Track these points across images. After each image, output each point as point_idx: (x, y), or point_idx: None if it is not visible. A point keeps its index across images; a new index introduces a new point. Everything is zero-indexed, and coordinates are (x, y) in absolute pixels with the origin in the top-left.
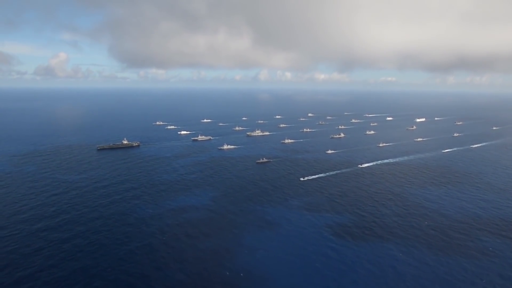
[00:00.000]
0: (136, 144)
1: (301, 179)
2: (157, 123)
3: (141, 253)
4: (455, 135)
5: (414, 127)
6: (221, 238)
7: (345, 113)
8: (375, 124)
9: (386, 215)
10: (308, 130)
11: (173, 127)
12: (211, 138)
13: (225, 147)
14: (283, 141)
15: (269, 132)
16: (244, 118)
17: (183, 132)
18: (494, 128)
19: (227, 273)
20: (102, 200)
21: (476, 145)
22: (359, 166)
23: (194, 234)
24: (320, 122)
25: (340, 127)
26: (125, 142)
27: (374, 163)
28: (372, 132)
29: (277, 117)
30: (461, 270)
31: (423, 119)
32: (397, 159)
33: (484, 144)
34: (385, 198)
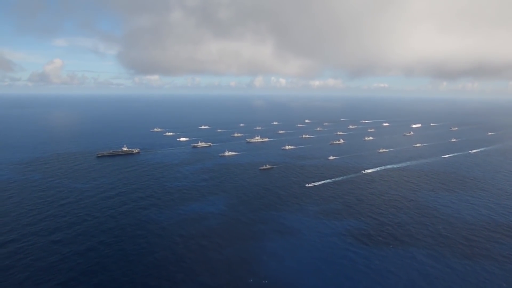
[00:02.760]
0: (136, 151)
1: (307, 185)
2: (155, 129)
3: (167, 261)
4: (452, 140)
5: (411, 133)
6: (242, 244)
7: (342, 119)
8: (373, 130)
9: (403, 220)
10: (307, 136)
11: (171, 133)
12: (211, 144)
13: (227, 153)
14: (283, 147)
15: (268, 138)
16: (241, 125)
17: (182, 139)
18: (490, 133)
19: (251, 280)
20: (116, 209)
21: (475, 150)
22: (363, 172)
23: (216, 241)
24: (318, 129)
25: (338, 133)
26: (124, 149)
27: (378, 168)
28: (370, 138)
29: (274, 123)
30: (486, 274)
31: (419, 125)
32: (400, 165)
33: (482, 149)
34: (399, 203)
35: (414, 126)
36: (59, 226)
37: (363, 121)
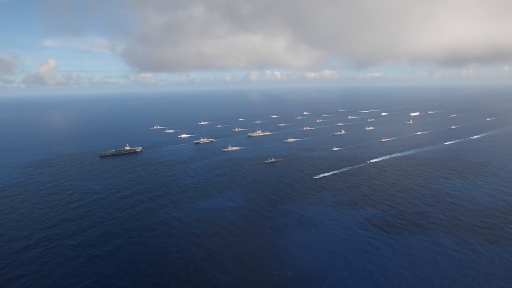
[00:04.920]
0: (139, 149)
1: (314, 177)
2: (155, 127)
3: (194, 257)
4: (452, 127)
5: (411, 121)
6: (265, 237)
7: (340, 110)
8: (372, 120)
9: (420, 207)
10: (308, 128)
11: (171, 130)
12: (213, 140)
13: (230, 148)
14: (286, 140)
15: (269, 132)
16: (241, 119)
17: (183, 136)
18: (488, 119)
19: (275, 272)
20: (134, 208)
21: (475, 136)
22: (369, 161)
23: (239, 234)
24: (318, 120)
25: (339, 124)
26: (127, 148)
27: (383, 158)
28: (371, 128)
29: (273, 116)
30: (509, 256)
31: (417, 113)
32: (404, 153)
33: (483, 135)
34: (412, 190)
35: (412, 114)
36: (80, 227)
37: (362, 111)
